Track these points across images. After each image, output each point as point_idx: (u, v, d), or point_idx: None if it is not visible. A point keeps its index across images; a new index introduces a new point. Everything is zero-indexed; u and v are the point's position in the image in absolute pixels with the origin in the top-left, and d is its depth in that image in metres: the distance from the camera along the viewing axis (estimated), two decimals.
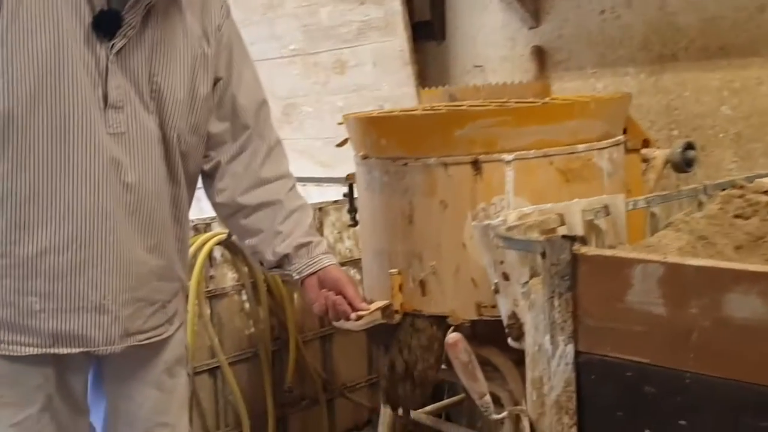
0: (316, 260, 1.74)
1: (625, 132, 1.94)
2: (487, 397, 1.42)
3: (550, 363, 1.27)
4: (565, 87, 2.68)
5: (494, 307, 1.60)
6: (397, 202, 1.84)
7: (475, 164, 1.74)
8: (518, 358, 1.55)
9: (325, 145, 3.19)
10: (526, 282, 1.37)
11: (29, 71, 1.44)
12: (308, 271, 1.73)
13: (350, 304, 1.71)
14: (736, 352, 1.08)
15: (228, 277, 2.49)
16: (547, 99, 2.03)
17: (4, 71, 1.43)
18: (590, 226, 1.54)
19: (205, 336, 2.39)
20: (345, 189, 2.22)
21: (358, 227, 2.13)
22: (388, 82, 3.03)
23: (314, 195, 3.03)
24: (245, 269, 2.50)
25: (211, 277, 2.44)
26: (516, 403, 1.75)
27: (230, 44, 1.69)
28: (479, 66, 2.92)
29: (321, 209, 2.73)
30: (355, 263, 2.64)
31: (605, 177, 1.81)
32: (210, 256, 2.42)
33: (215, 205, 1.78)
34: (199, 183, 1.77)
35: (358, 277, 2.45)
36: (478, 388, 1.41)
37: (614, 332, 1.20)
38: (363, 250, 2.04)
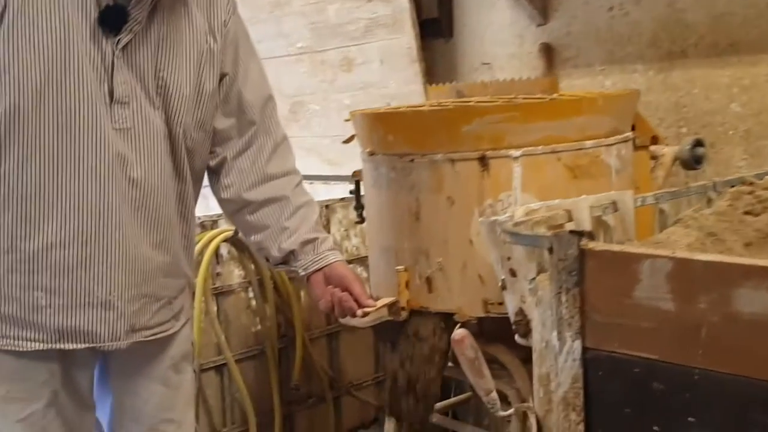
0: (322, 257, 1.73)
1: (633, 129, 1.93)
2: (494, 394, 1.41)
3: (557, 359, 1.26)
4: (574, 84, 2.67)
5: (501, 304, 1.59)
6: (403, 198, 1.83)
7: (482, 160, 1.73)
8: (525, 356, 1.54)
9: (332, 143, 3.19)
10: (533, 278, 1.36)
11: (35, 67, 1.44)
12: (314, 268, 1.72)
13: (356, 300, 1.70)
14: (746, 348, 1.07)
15: (235, 275, 2.48)
16: (554, 95, 2.02)
17: (11, 67, 1.43)
18: (598, 222, 1.53)
19: (211, 333, 2.39)
20: (352, 186, 2.21)
21: (364, 224, 2.12)
22: (395, 80, 3.02)
23: (321, 193, 3.03)
24: (252, 266, 2.49)
25: (218, 274, 2.43)
26: (523, 401, 1.74)
27: (236, 40, 1.68)
28: (487, 63, 2.91)
29: (328, 207, 2.72)
30: (362, 261, 2.63)
31: (613, 174, 1.80)
32: (217, 253, 2.41)
33: (221, 202, 1.78)
34: (206, 181, 1.77)
35: (365, 274, 2.44)
36: (485, 384, 1.40)
37: (622, 328, 1.19)
38: (369, 247, 2.03)
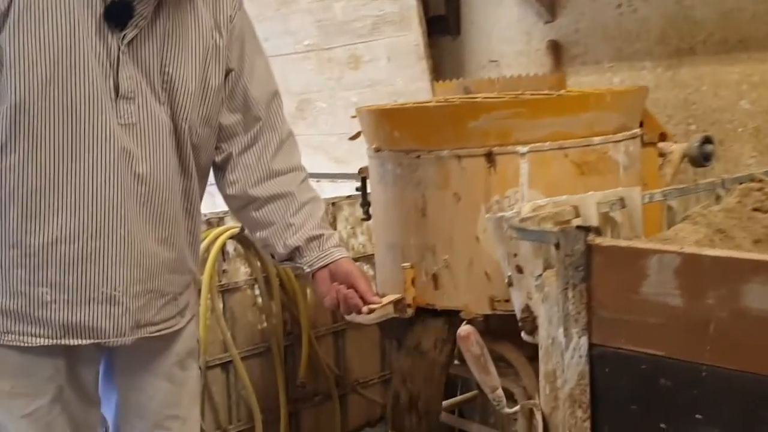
0: (327, 253, 1.72)
1: (641, 125, 1.92)
2: (500, 391, 1.40)
3: (563, 356, 1.25)
4: (582, 81, 2.66)
5: (508, 301, 1.59)
6: (410, 195, 1.83)
7: (489, 156, 1.72)
8: (532, 354, 1.53)
9: (339, 141, 3.18)
10: (540, 275, 1.36)
11: (41, 62, 1.44)
12: (319, 264, 1.72)
13: (362, 297, 1.69)
14: (754, 344, 1.06)
15: (241, 272, 2.48)
16: (562, 91, 2.01)
17: (17, 62, 1.43)
18: (605, 218, 1.52)
19: (217, 330, 2.38)
20: (358, 184, 2.20)
21: (370, 221, 2.12)
22: (402, 78, 3.01)
23: (328, 191, 3.02)
24: (258, 264, 2.49)
25: (224, 272, 2.43)
26: (530, 399, 1.73)
27: (242, 35, 1.68)
28: (494, 61, 2.90)
29: (334, 204, 2.71)
30: (369, 258, 2.62)
31: (621, 170, 1.79)
32: (223, 251, 2.41)
33: (226, 198, 1.77)
34: (212, 178, 1.77)
35: (371, 272, 2.43)
36: (490, 381, 1.39)
37: (629, 324, 1.18)
38: (376, 244, 2.03)
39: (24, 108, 1.44)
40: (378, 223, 1.99)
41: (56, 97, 1.45)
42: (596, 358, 1.22)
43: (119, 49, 1.50)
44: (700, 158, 2.05)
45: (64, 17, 1.44)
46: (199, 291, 2.16)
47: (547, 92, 1.97)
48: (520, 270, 1.43)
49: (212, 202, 2.41)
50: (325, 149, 3.33)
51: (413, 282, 1.84)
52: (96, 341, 1.56)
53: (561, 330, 1.25)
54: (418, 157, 1.80)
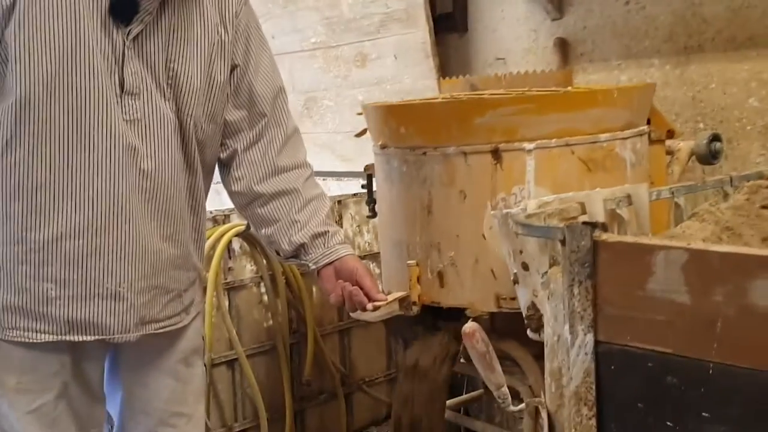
0: (332, 250, 1.72)
1: (649, 122, 1.90)
2: (505, 389, 1.40)
3: (569, 353, 1.24)
4: (589, 79, 2.64)
5: (513, 299, 1.58)
6: (415, 192, 1.82)
7: (495, 153, 1.71)
8: (538, 353, 1.52)
9: (345, 139, 3.17)
10: (546, 272, 1.35)
11: (46, 57, 1.43)
12: (324, 261, 1.71)
13: (367, 294, 1.68)
14: (762, 342, 1.04)
15: (246, 269, 2.48)
16: (569, 88, 2.00)
17: (21, 57, 1.43)
18: (612, 215, 1.51)
19: (223, 328, 2.38)
20: (364, 182, 2.20)
21: (376, 219, 2.11)
22: (409, 75, 3.00)
23: (334, 190, 3.02)
24: (264, 261, 2.48)
25: (230, 269, 2.43)
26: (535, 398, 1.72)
27: (248, 31, 1.67)
28: (501, 58, 2.89)
29: (340, 202, 2.71)
30: (375, 257, 2.62)
31: (628, 167, 1.78)
32: (228, 248, 2.41)
33: (232, 194, 1.77)
34: (218, 176, 1.76)
35: (377, 270, 2.42)
36: (495, 379, 1.38)
37: (635, 321, 1.16)
38: (381, 241, 2.02)
39: (29, 103, 1.44)
40: (383, 220, 1.98)
41: (61, 93, 1.45)
42: (602, 355, 1.21)
43: (124, 45, 1.50)
44: (708, 156, 2.04)
45: (69, 13, 1.44)
46: (205, 288, 2.16)
47: (553, 89, 1.96)
48: (525, 267, 1.42)
49: (219, 201, 2.41)
50: (332, 147, 3.32)
51: (419, 279, 1.83)
52: (100, 337, 1.55)
53: (566, 327, 1.23)
54: (424, 153, 1.79)
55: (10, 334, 1.53)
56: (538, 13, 2.78)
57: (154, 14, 1.51)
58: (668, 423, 1.15)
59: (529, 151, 1.70)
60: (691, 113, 2.46)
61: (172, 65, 1.55)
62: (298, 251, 1.72)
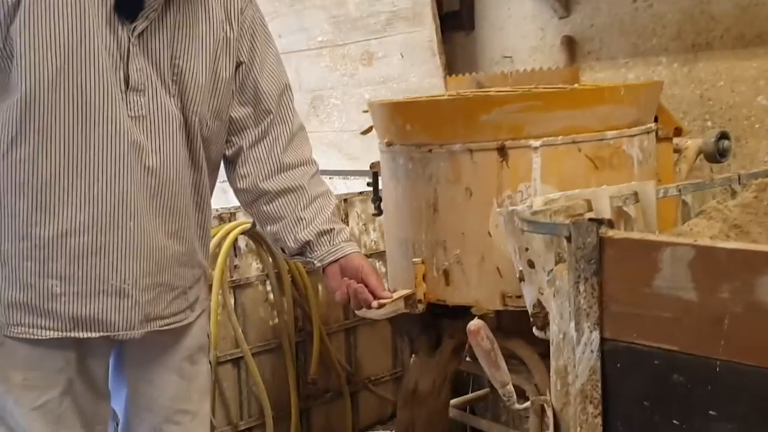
0: (338, 248, 1.71)
1: (656, 120, 1.89)
2: (510, 386, 1.39)
3: (574, 351, 1.23)
4: (597, 77, 2.63)
5: (519, 297, 1.57)
6: (421, 189, 1.81)
7: (502, 150, 1.70)
8: (544, 351, 1.51)
9: (352, 138, 3.17)
10: (551, 269, 1.34)
11: (51, 53, 1.44)
12: (330, 259, 1.71)
13: (372, 292, 1.68)
14: None
15: (252, 267, 2.47)
16: (576, 85, 1.99)
17: (26, 53, 1.43)
18: (619, 213, 1.50)
19: (228, 326, 2.38)
20: (370, 179, 2.19)
21: (382, 217, 2.10)
22: (416, 74, 3.00)
23: (341, 188, 3.01)
24: (270, 259, 2.48)
25: (236, 267, 2.42)
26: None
27: (253, 28, 1.67)
28: (508, 57, 2.88)
29: (346, 200, 2.70)
30: (381, 255, 2.61)
31: (635, 165, 1.77)
32: (234, 246, 2.40)
33: (237, 192, 1.77)
34: (224, 175, 1.76)
35: (383, 269, 2.42)
36: (501, 376, 1.38)
37: (641, 318, 1.16)
38: (387, 239, 2.02)
39: (34, 99, 1.44)
40: (389, 218, 1.98)
41: (66, 89, 1.45)
42: (608, 353, 1.20)
43: (129, 41, 1.50)
44: (716, 154, 2.03)
45: (74, 9, 1.44)
46: (210, 286, 2.15)
47: (560, 86, 1.95)
48: (531, 264, 1.41)
49: (225, 198, 2.41)
50: (338, 146, 3.32)
51: (424, 277, 1.82)
52: (105, 334, 1.56)
53: (572, 325, 1.23)
54: (430, 151, 1.78)
55: (16, 331, 1.53)
56: (546, 11, 2.77)
57: (159, 11, 1.51)
58: (675, 421, 1.14)
59: (536, 148, 1.69)
60: (699, 111, 2.45)
61: (177, 62, 1.55)
62: (304, 249, 1.72)
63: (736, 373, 1.07)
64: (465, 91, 2.00)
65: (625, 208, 1.50)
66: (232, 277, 2.41)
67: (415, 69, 3.00)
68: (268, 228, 1.75)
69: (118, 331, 1.56)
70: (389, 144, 1.89)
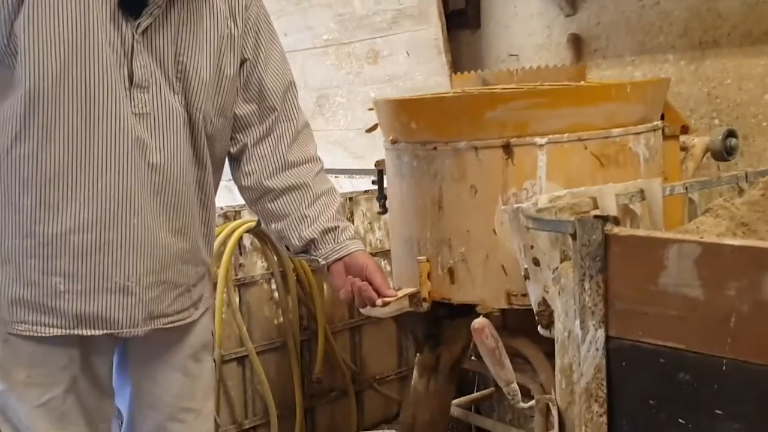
0: (342, 245, 1.71)
1: (663, 118, 1.88)
2: (514, 385, 1.38)
3: (579, 349, 1.22)
4: (603, 75, 2.62)
5: (525, 295, 1.56)
6: (426, 187, 1.81)
7: (507, 148, 1.69)
8: (550, 350, 1.50)
9: (357, 137, 3.16)
10: (557, 267, 1.33)
11: (55, 50, 1.43)
12: (335, 257, 1.70)
13: (377, 290, 1.67)
14: None
15: (257, 266, 2.47)
16: (582, 82, 1.98)
17: (30, 50, 1.43)
18: (625, 210, 1.49)
19: (233, 324, 2.38)
20: (375, 177, 2.18)
21: (387, 215, 2.10)
22: (421, 72, 2.99)
23: (346, 187, 3.01)
24: (275, 258, 2.47)
25: (240, 266, 2.42)
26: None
27: (257, 25, 1.67)
28: (514, 55, 2.86)
29: (351, 199, 2.70)
30: (386, 254, 2.60)
31: (642, 163, 1.76)
32: (239, 244, 2.40)
33: (242, 189, 1.76)
34: (229, 174, 1.76)
35: (389, 268, 2.41)
36: (505, 375, 1.37)
37: (647, 316, 1.15)
38: (392, 237, 2.01)
39: (38, 96, 1.44)
40: (394, 216, 1.97)
41: (70, 86, 1.45)
42: (613, 351, 1.19)
43: (133, 38, 1.49)
44: (723, 152, 2.01)
45: (78, 5, 1.44)
46: (214, 284, 2.15)
47: (566, 83, 1.94)
48: (536, 262, 1.40)
49: (230, 197, 2.41)
50: (344, 144, 3.32)
51: (429, 276, 1.81)
52: (109, 332, 1.55)
53: (577, 322, 1.22)
54: (435, 148, 1.78)
55: (19, 328, 1.53)
56: (552, 9, 2.76)
57: (164, 7, 1.51)
58: (680, 420, 1.13)
59: (541, 145, 1.68)
60: (706, 109, 2.44)
61: (181, 59, 1.55)
62: (308, 246, 1.71)
63: (742, 371, 1.06)
64: (470, 89, 1.99)
65: (631, 206, 1.49)
66: (237, 275, 2.41)
67: (420, 67, 2.99)
68: (273, 226, 1.75)
69: (122, 328, 1.55)
70: (394, 142, 1.88)
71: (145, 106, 1.52)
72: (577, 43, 2.68)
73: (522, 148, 1.69)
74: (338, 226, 1.71)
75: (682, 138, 2.01)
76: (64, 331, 1.53)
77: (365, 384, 2.77)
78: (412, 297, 1.81)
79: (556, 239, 1.34)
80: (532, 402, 1.43)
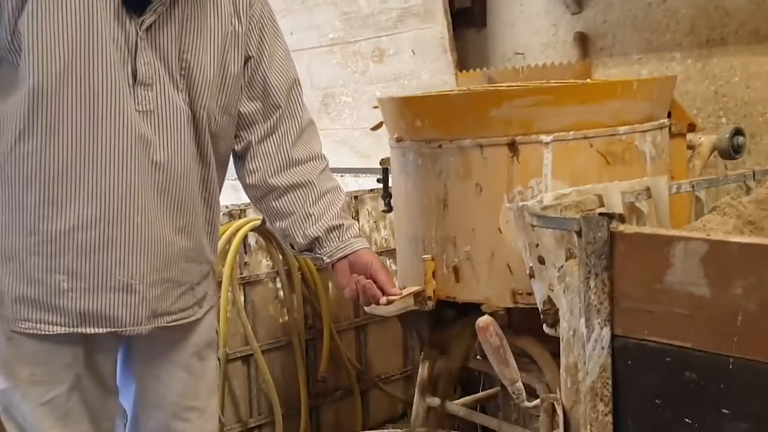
0: (347, 244, 1.70)
1: (669, 116, 1.87)
2: (519, 384, 1.37)
3: (585, 348, 1.21)
4: (609, 73, 2.61)
5: (530, 294, 1.55)
6: (431, 185, 1.80)
7: (512, 146, 1.68)
8: (555, 349, 1.49)
9: (363, 136, 3.16)
10: (562, 265, 1.32)
11: (59, 47, 1.43)
12: (339, 255, 1.70)
13: (381, 288, 1.66)
14: None
15: (262, 264, 2.46)
16: (587, 80, 1.97)
17: (35, 47, 1.43)
18: (631, 208, 1.48)
19: (238, 323, 2.37)
20: (380, 176, 2.17)
21: (392, 213, 2.09)
22: (427, 71, 2.98)
23: (352, 186, 3.00)
24: (280, 256, 2.47)
25: (245, 264, 2.41)
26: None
27: (262, 22, 1.66)
28: (520, 53, 2.86)
29: (357, 197, 2.69)
30: (391, 253, 2.59)
31: (648, 161, 1.74)
32: (244, 243, 2.40)
33: (246, 187, 1.76)
34: (234, 173, 1.75)
35: (394, 267, 2.40)
36: (509, 374, 1.36)
37: (653, 315, 1.14)
38: (397, 235, 2.00)
39: (42, 93, 1.44)
40: (399, 214, 1.96)
41: (74, 83, 1.45)
42: (619, 349, 1.18)
43: (137, 35, 1.49)
44: (730, 150, 2.00)
45: (82, 3, 1.44)
46: (219, 282, 2.15)
47: (571, 80, 1.93)
48: (541, 261, 1.39)
49: (236, 196, 2.40)
50: (349, 143, 3.31)
51: (434, 274, 1.81)
52: (112, 330, 1.55)
53: (582, 321, 1.21)
54: (440, 146, 1.77)
55: (23, 326, 1.53)
56: (558, 7, 2.75)
57: (168, 4, 1.51)
58: (686, 419, 1.12)
59: (547, 143, 1.67)
60: (713, 108, 2.42)
61: (185, 56, 1.54)
62: (313, 245, 1.71)
63: (749, 370, 1.05)
64: (475, 87, 1.98)
65: (637, 204, 1.48)
66: (241, 274, 2.41)
67: (426, 66, 2.98)
68: (278, 224, 1.74)
69: (125, 326, 1.55)
70: (399, 140, 1.87)
71: (149, 104, 1.51)
72: (583, 41, 2.67)
73: (527, 146, 1.68)
74: (343, 224, 1.71)
75: (689, 136, 1.99)
76: (67, 329, 1.53)
77: (370, 383, 2.76)
78: (417, 295, 1.81)
79: (562, 237, 1.33)
80: (537, 401, 1.42)
